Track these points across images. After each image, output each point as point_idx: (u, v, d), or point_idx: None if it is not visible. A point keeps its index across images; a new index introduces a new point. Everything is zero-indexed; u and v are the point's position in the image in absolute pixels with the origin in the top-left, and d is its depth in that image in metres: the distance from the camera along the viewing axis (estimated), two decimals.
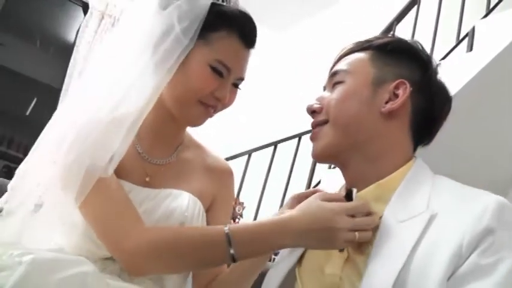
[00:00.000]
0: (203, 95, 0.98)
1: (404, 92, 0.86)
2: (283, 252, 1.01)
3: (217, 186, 1.12)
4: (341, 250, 0.85)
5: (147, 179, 1.01)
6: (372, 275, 0.75)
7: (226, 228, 0.85)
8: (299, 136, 3.78)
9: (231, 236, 0.84)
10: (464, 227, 0.73)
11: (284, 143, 3.95)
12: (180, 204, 0.99)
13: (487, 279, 0.69)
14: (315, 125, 0.93)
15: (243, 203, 3.99)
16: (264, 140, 4.05)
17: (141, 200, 0.97)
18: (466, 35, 3.01)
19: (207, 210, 1.10)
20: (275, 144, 3.96)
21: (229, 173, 1.18)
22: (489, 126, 2.77)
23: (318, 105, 0.92)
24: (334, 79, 0.93)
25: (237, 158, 3.93)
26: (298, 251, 0.95)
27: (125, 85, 0.93)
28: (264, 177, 3.82)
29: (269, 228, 0.84)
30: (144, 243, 0.85)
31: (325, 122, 0.90)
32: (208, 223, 1.08)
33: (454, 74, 2.82)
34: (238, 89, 1.06)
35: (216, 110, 1.03)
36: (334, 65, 0.96)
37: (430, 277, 0.71)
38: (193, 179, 1.07)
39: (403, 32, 3.16)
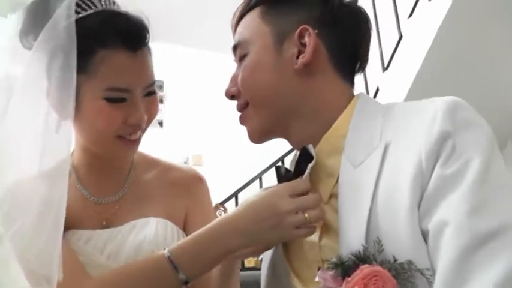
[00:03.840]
0: (116, 130, 0.85)
1: (309, 37, 0.76)
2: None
3: (186, 198, 1.02)
4: None
5: (104, 223, 0.93)
6: (345, 231, 0.67)
7: (166, 252, 0.78)
8: None
9: (173, 258, 0.76)
10: (418, 142, 0.64)
11: (291, 156, 3.87)
12: (148, 234, 0.91)
13: (459, 189, 0.59)
14: (239, 109, 0.84)
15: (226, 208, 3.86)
16: (270, 159, 3.97)
17: (103, 243, 0.89)
18: None
19: (185, 228, 1.00)
20: (282, 160, 3.89)
21: (196, 180, 1.05)
22: (476, 69, 2.67)
23: (233, 89, 0.83)
24: (237, 54, 0.83)
25: (249, 186, 3.87)
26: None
27: (37, 145, 0.83)
28: None
29: (210, 235, 0.77)
30: None
31: (247, 104, 0.82)
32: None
33: (424, 26, 2.76)
34: (156, 95, 0.91)
35: (143, 130, 0.91)
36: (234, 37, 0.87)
37: (398, 211, 0.62)
38: (157, 201, 0.98)
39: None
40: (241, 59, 0.82)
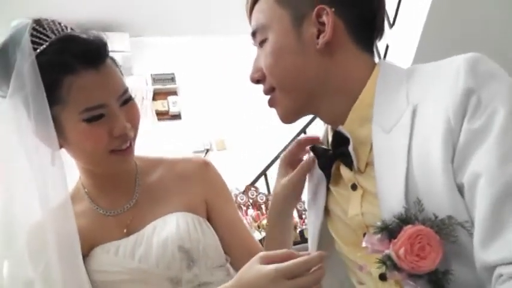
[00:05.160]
0: (106, 146, 0.89)
1: (327, 17, 0.77)
2: (309, 205, 0.95)
3: (199, 185, 1.06)
4: (354, 188, 0.81)
5: (125, 231, 0.98)
6: (385, 196, 0.71)
7: None
8: None
9: None
10: (445, 100, 0.67)
11: (312, 126, 3.88)
12: (170, 231, 0.95)
13: (487, 140, 0.62)
14: (266, 93, 0.87)
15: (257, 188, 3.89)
16: (293, 131, 3.98)
17: (132, 249, 0.94)
18: None
19: (210, 216, 1.06)
20: (304, 130, 3.91)
21: (204, 166, 1.09)
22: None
23: (258, 74, 0.86)
24: (257, 39, 0.86)
25: (276, 162, 3.90)
26: (321, 202, 0.89)
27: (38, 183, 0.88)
28: None
29: None
30: None
31: (274, 88, 0.84)
32: (217, 224, 1.05)
33: None
34: (134, 101, 0.94)
35: (132, 138, 0.93)
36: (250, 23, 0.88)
37: (433, 170, 0.65)
38: (171, 197, 1.02)
39: None
40: (261, 43, 0.84)
